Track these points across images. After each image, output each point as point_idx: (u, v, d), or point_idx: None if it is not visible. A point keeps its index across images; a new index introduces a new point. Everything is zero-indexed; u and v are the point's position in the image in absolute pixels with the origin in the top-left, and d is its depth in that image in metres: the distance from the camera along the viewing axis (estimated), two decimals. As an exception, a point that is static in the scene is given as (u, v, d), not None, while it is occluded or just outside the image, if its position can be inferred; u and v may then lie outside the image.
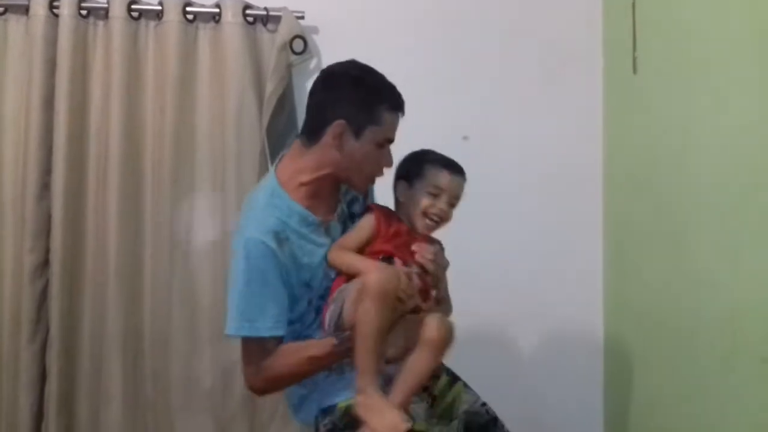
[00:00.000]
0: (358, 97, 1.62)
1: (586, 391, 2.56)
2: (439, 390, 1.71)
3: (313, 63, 2.54)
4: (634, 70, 2.26)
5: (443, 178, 1.70)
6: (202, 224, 2.47)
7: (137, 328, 2.47)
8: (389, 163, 1.71)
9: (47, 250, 2.41)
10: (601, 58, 2.55)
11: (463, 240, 2.52)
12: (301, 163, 1.66)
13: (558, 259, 2.57)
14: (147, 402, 2.47)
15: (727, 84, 1.74)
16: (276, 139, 2.45)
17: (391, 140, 1.69)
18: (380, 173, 1.73)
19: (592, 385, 2.56)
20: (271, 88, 2.42)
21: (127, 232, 2.45)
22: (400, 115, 1.68)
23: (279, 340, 1.63)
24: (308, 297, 1.67)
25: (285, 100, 2.45)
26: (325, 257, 1.66)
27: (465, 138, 2.55)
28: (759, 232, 1.58)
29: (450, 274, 1.78)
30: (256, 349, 1.63)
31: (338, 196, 1.75)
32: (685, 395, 1.91)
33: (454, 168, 1.73)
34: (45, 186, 2.41)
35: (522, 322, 2.55)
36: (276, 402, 2.46)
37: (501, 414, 1.78)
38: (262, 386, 1.70)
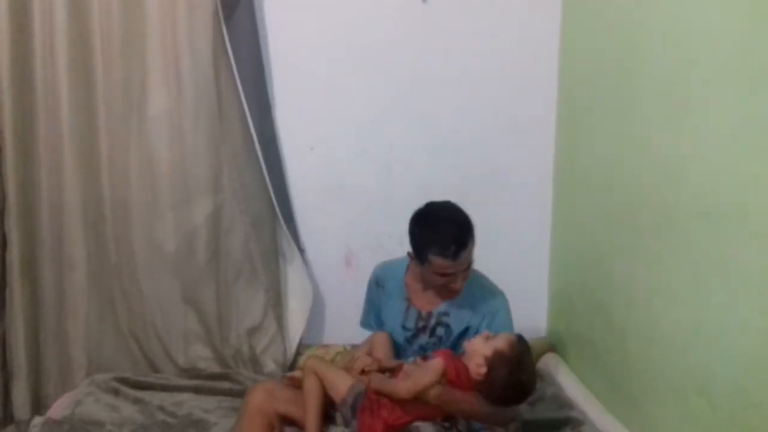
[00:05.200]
0: (413, 241, 2.02)
1: (535, 239, 2.71)
2: None
3: None
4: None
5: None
6: (155, 90, 2.43)
7: (97, 195, 2.48)
8: (455, 290, 2.03)
9: (-3, 118, 2.36)
10: None
11: (425, 101, 2.56)
12: None
13: (512, 132, 2.61)
14: (111, 267, 2.53)
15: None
16: None
17: (446, 275, 1.97)
18: (452, 292, 2.06)
19: (540, 235, 2.71)
20: (221, -57, 2.31)
21: (79, 99, 2.40)
22: (450, 259, 1.92)
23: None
24: (390, 331, 2.19)
25: (236, -43, 2.36)
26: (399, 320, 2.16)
27: (424, 1, 2.50)
28: (702, 95, 1.64)
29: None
30: None
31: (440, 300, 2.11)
32: (628, 248, 2.04)
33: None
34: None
35: (478, 186, 2.62)
36: (240, 263, 2.55)
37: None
38: None
